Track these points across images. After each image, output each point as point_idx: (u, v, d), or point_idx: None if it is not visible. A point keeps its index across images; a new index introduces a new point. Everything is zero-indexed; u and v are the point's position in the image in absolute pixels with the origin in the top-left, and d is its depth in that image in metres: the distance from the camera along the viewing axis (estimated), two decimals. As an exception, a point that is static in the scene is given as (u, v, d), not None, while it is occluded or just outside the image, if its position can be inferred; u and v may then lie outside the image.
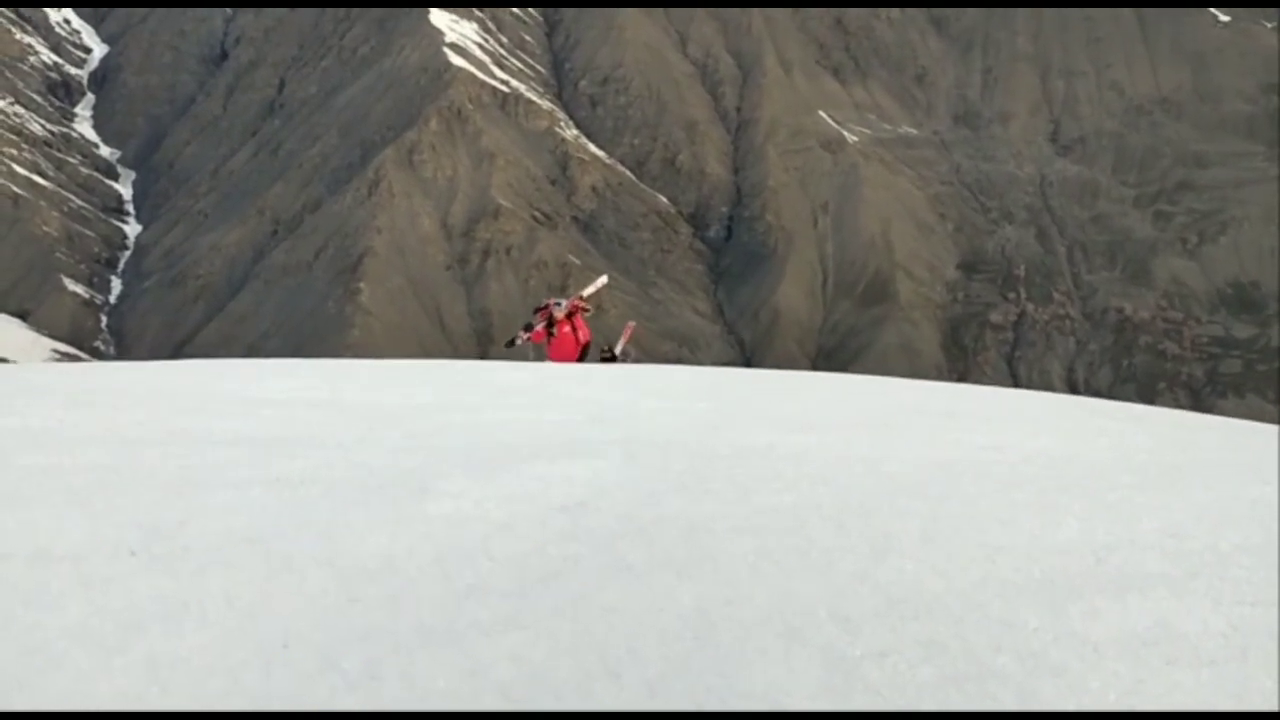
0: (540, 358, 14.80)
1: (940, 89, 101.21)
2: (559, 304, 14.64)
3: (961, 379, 67.32)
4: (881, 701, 1.62)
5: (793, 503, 2.93)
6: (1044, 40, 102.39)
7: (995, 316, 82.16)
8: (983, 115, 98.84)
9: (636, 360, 16.88)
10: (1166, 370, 76.80)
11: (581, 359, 14.73)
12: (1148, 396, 69.63)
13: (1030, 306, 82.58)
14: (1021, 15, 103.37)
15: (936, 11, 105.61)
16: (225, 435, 3.65)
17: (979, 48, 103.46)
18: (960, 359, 78.40)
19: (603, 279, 16.93)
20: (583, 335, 14.73)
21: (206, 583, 1.94)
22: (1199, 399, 71.55)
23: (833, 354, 75.65)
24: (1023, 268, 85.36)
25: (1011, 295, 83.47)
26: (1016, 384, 72.08)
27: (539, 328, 14.62)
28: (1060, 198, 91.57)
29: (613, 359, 16.33)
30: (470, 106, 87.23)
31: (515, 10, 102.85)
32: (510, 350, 15.21)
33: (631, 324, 20.75)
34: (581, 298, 15.08)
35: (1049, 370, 78.01)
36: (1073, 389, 72.73)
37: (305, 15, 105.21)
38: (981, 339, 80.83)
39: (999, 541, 2.58)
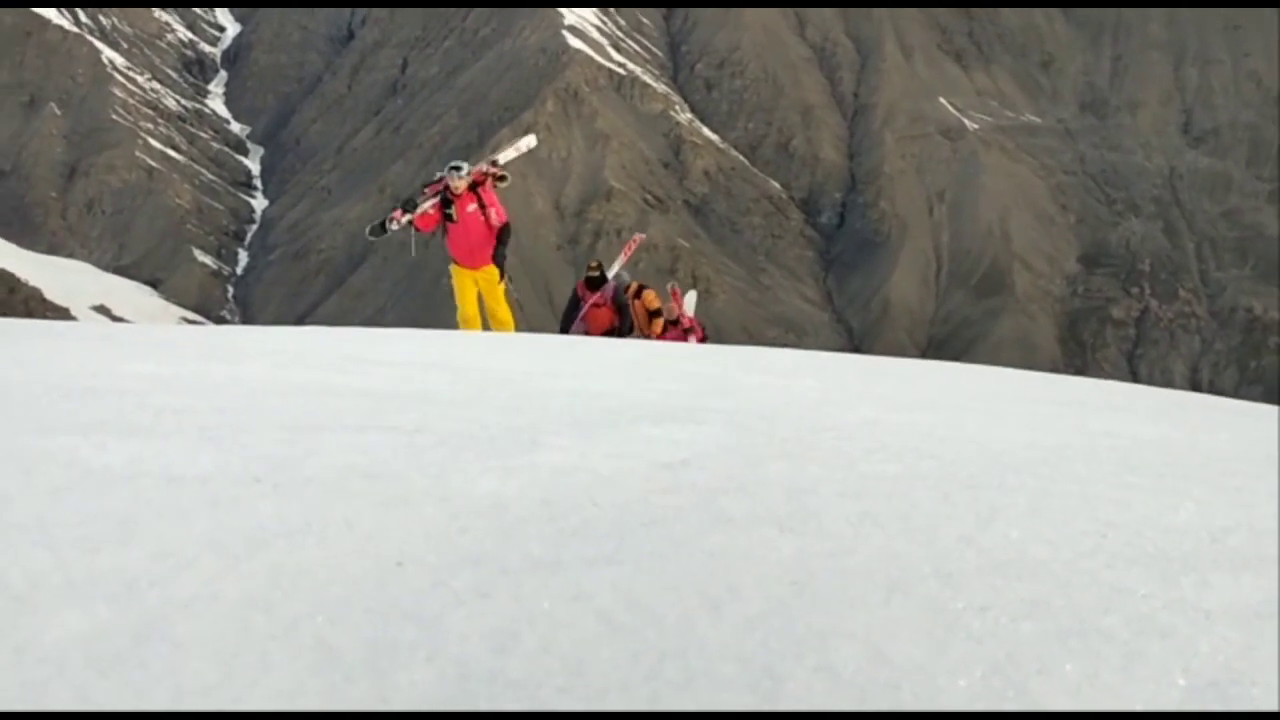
0: (425, 251, 10.94)
1: (1067, 76, 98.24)
2: (458, 168, 10.55)
3: (1079, 375, 65.44)
4: (982, 651, 1.62)
5: (897, 473, 2.92)
6: (1178, 27, 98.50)
7: (1117, 312, 79.64)
8: (1111, 104, 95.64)
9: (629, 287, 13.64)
10: (1298, 373, 73.51)
11: (498, 256, 10.62)
12: (1276, 399, 66.62)
13: (1154, 303, 79.83)
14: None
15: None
16: (343, 389, 3.79)
17: (1109, 34, 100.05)
18: (1078, 354, 76.26)
19: (529, 138, 12.71)
20: (496, 215, 10.59)
21: (326, 508, 2.04)
22: (1333, 404, 68.22)
23: (944, 345, 74.30)
24: (1148, 262, 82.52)
25: (1135, 290, 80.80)
26: (1137, 383, 69.80)
27: (427, 207, 10.48)
28: (1190, 191, 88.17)
29: (603, 279, 13.44)
30: (586, 88, 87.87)
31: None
32: (381, 239, 11.37)
33: (640, 236, 16.57)
34: (494, 163, 10.99)
35: (1172, 369, 75.35)
36: (1196, 389, 70.09)
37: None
38: (1101, 335, 78.45)
39: (1111, 518, 2.53)
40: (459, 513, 2.10)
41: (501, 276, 10.80)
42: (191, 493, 2.07)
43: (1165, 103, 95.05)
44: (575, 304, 13.58)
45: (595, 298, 13.36)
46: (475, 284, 10.83)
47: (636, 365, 5.88)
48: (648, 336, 13.98)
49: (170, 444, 2.47)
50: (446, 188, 10.56)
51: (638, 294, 14.08)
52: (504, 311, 10.90)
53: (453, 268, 10.86)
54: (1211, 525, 2.55)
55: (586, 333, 13.58)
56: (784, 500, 2.44)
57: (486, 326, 10.98)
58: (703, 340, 14.88)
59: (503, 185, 10.77)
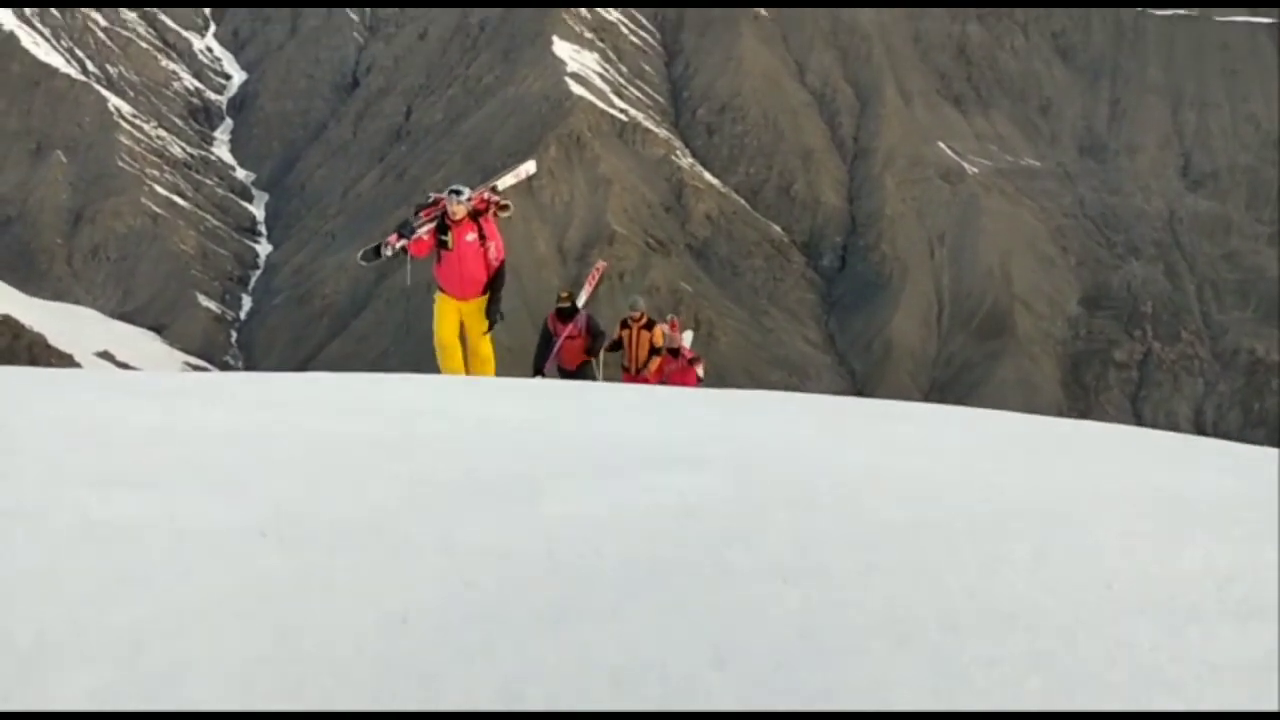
0: (421, 278, 10.11)
1: (1065, 120, 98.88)
2: (459, 192, 9.70)
3: (1083, 418, 65.09)
4: (990, 704, 1.61)
5: (902, 521, 2.91)
6: (1176, 71, 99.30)
7: (1119, 354, 79.54)
8: (1109, 147, 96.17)
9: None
10: (1302, 415, 73.29)
11: (492, 308, 9.83)
12: (1282, 442, 66.26)
13: (1157, 345, 79.74)
14: (1153, 45, 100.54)
15: (1063, 41, 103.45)
16: (346, 437, 3.79)
17: (1107, 78, 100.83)
18: (1081, 397, 76.06)
19: (529, 165, 11.70)
20: (495, 251, 9.76)
21: (331, 561, 2.05)
22: (1338, 446, 67.84)
23: (947, 387, 74.15)
24: (1149, 304, 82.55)
25: (1137, 333, 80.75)
26: (1141, 425, 69.47)
27: (423, 233, 9.61)
28: (1190, 233, 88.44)
29: (574, 310, 12.86)
30: (589, 134, 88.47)
31: (635, 40, 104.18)
32: (372, 266, 10.22)
33: (602, 263, 15.80)
34: (495, 190, 10.21)
35: (1175, 412, 75.15)
36: (1200, 432, 69.83)
37: (433, 45, 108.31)
38: (1104, 377, 78.31)
39: (1116, 566, 2.53)
40: (463, 564, 2.10)
41: (490, 328, 10.01)
42: (197, 546, 2.07)
43: (1164, 146, 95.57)
44: (547, 338, 13.02)
45: (569, 330, 12.76)
46: (459, 313, 10.06)
47: (638, 411, 5.88)
48: (639, 370, 13.41)
49: (176, 496, 2.48)
50: (444, 213, 9.70)
51: (648, 325, 13.56)
52: (486, 348, 10.11)
53: (438, 296, 10.07)
54: (1217, 573, 2.54)
55: (560, 367, 13.04)
56: (789, 551, 2.43)
57: (466, 361, 10.35)
58: (702, 371, 14.47)
59: (505, 215, 10.07)
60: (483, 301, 9.95)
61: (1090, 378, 78.35)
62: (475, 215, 9.79)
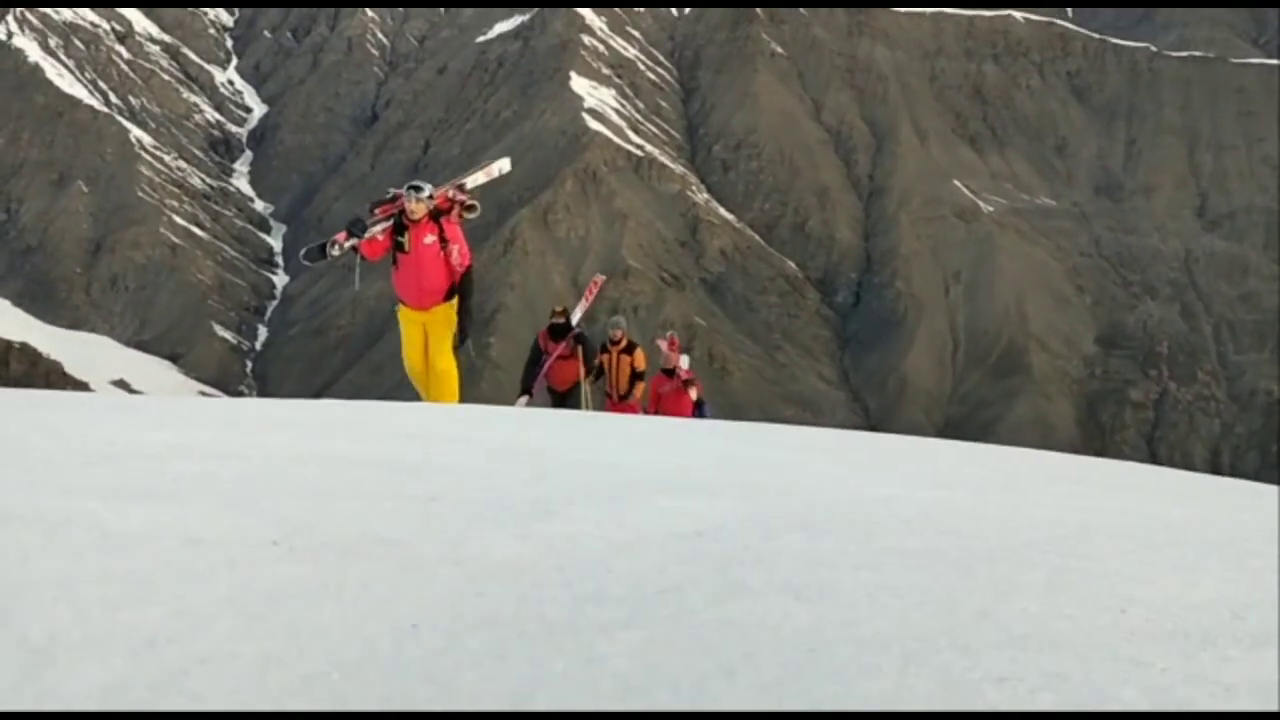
0: (380, 281, 9.23)
1: (1081, 159, 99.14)
2: (418, 189, 8.69)
3: (1098, 458, 64.69)
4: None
5: (916, 547, 2.91)
6: (1192, 113, 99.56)
7: (1135, 394, 79.26)
8: (1125, 187, 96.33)
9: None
10: (1321, 458, 72.76)
11: (462, 316, 8.90)
12: (1300, 484, 65.72)
13: (1173, 385, 79.44)
14: (1168, 87, 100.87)
15: (1078, 81, 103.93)
16: (360, 458, 3.82)
17: (1123, 119, 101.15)
18: (1097, 437, 75.69)
19: (502, 162, 10.62)
20: (459, 255, 8.77)
21: (342, 571, 2.06)
22: (1357, 489, 67.31)
23: (961, 425, 73.88)
24: (1165, 344, 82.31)
25: (1153, 373, 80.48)
26: (1157, 465, 69.01)
27: (376, 232, 8.62)
28: (1207, 274, 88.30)
29: (568, 328, 12.47)
30: (605, 169, 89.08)
31: (652, 77, 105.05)
32: (318, 266, 9.61)
33: (600, 278, 15.39)
34: (462, 187, 9.15)
35: (1192, 452, 74.70)
36: (1217, 473, 69.33)
37: (452, 80, 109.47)
38: (1120, 417, 77.98)
39: (1131, 594, 2.52)
40: (474, 577, 2.11)
41: (462, 342, 9.11)
42: (210, 555, 2.09)
43: (1180, 186, 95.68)
44: (537, 357, 12.59)
45: (560, 349, 12.41)
46: (422, 329, 9.11)
47: (652, 439, 5.89)
48: (622, 398, 12.75)
49: (189, 508, 2.50)
50: (402, 211, 8.71)
51: (628, 349, 12.89)
52: (446, 360, 9.11)
53: (399, 309, 9.18)
54: (1233, 602, 2.52)
55: (551, 387, 12.64)
56: (799, 571, 2.43)
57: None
58: (699, 395, 13.67)
59: (470, 217, 9.05)
60: (447, 309, 9.04)
61: (1106, 417, 78.04)
62: (437, 215, 8.82)
